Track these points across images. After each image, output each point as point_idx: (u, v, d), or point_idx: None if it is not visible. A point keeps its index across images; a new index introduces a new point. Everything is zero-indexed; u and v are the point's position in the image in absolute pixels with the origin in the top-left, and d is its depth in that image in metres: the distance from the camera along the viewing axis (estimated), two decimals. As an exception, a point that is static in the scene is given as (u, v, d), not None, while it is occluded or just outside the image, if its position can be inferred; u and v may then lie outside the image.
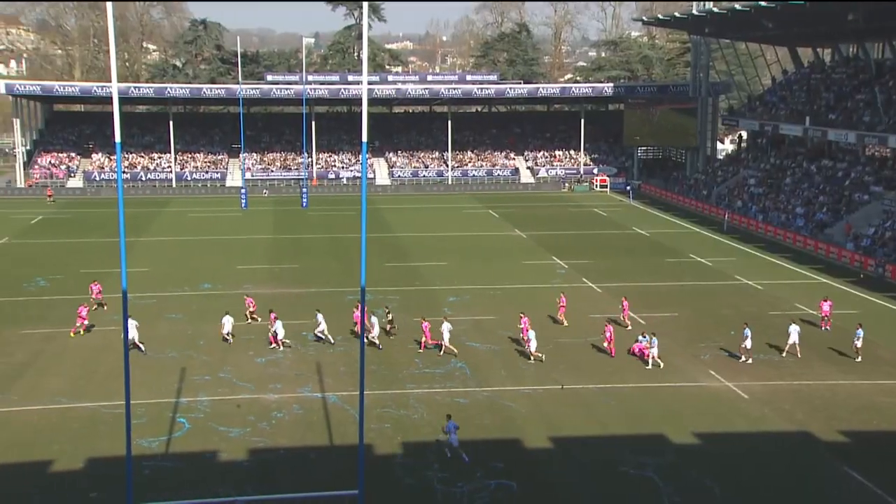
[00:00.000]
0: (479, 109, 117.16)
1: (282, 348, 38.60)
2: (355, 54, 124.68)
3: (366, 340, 38.41)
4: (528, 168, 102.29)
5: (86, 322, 40.61)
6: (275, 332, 38.87)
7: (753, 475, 27.20)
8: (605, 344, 38.12)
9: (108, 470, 26.76)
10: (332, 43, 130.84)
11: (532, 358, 37.33)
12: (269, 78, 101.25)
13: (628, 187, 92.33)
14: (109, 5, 19.71)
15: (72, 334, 40.08)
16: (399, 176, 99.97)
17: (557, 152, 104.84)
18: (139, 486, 24.08)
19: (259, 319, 42.14)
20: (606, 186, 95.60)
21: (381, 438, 29.39)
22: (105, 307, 44.40)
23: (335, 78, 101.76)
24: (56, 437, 29.36)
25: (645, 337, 37.77)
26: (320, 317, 39.67)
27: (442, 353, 37.87)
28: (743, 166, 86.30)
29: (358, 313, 39.83)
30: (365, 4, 20.46)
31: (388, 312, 41.63)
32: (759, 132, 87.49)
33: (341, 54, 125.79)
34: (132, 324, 37.20)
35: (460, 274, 53.90)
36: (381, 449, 28.65)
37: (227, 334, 39.49)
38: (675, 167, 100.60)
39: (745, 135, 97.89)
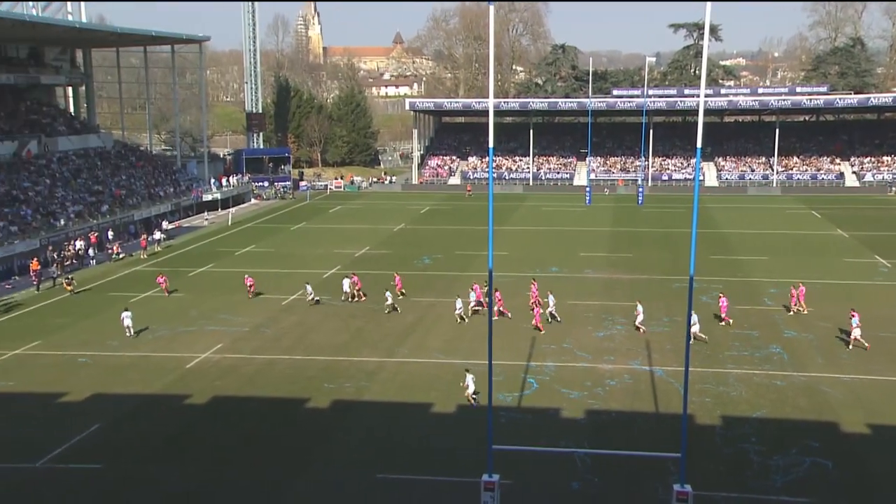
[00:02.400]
0: (807, 119, 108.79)
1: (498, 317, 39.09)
2: (692, 71, 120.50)
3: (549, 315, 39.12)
4: (853, 172, 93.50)
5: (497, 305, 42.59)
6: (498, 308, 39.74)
7: None
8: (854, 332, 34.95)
9: (471, 415, 28.12)
10: (672, 61, 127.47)
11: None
12: (615, 92, 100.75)
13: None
14: (491, 30, 20.51)
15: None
16: (726, 178, 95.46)
17: (885, 157, 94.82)
18: (497, 431, 25.07)
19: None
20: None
21: (702, 411, 28.37)
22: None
23: (673, 92, 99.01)
24: (433, 385, 31.29)
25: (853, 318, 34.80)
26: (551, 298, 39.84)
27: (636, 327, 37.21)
28: None
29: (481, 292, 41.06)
30: (706, 27, 19.66)
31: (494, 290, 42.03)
32: None
33: (679, 71, 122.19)
34: (471, 296, 40.86)
35: (781, 268, 50.52)
36: (701, 420, 27.65)
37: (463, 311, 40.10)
38: None
39: None
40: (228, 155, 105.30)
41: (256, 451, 25.81)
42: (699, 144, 20.37)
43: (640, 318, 37.73)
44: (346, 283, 44.16)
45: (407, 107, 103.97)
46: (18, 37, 69.92)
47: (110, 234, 61.54)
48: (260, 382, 31.81)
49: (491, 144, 20.72)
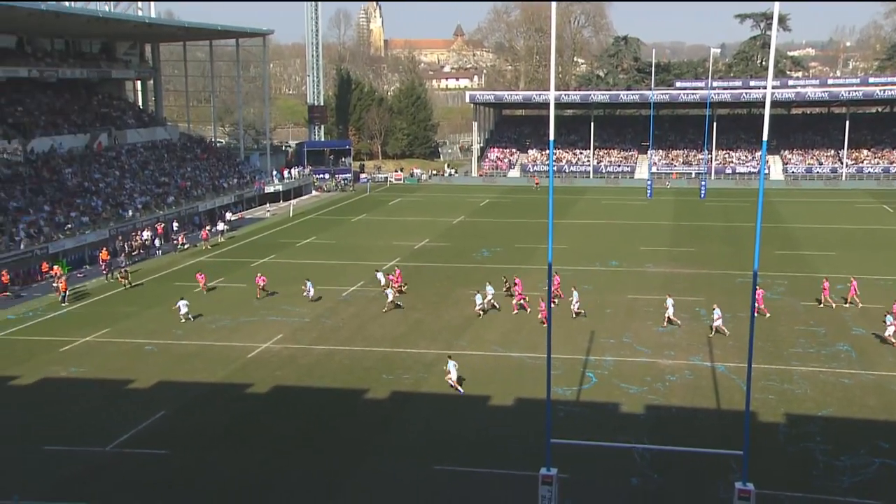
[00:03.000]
0: (880, 110, 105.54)
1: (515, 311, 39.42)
2: (759, 62, 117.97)
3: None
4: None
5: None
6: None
7: None
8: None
9: (530, 408, 27.97)
10: (738, 52, 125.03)
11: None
12: (678, 84, 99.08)
13: None
14: (553, 25, 20.33)
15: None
16: (792, 172, 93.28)
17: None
18: (555, 425, 24.90)
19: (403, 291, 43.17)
20: None
21: (765, 408, 27.77)
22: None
23: (738, 83, 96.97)
24: (492, 378, 31.24)
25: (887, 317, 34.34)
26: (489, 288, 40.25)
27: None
28: None
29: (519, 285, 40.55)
30: (775, 17, 19.22)
31: (506, 281, 41.94)
32: None
33: (745, 62, 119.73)
34: (489, 290, 40.20)
35: (848, 264, 49.11)
36: (764, 417, 27.06)
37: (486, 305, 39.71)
38: None
39: None
40: (290, 147, 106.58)
41: (315, 441, 26.09)
42: (765, 137, 19.92)
43: (670, 311, 37.27)
44: (381, 276, 44.04)
45: (467, 99, 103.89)
46: (92, 32, 71.82)
47: (175, 224, 62.83)
48: (319, 373, 32.14)
49: (551, 137, 20.55)
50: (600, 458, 24.15)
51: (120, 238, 56.20)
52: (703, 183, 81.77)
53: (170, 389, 30.59)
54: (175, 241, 58.87)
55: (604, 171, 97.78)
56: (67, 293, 44.03)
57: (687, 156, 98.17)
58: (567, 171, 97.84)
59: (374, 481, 23.38)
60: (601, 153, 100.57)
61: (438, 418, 27.65)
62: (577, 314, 38.77)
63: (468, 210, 74.75)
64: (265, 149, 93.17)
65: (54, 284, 45.13)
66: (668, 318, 37.35)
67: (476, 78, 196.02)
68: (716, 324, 35.77)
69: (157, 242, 57.70)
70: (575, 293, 39.18)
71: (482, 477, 23.41)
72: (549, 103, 19.52)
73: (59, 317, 41.20)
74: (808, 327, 36.70)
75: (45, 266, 49.37)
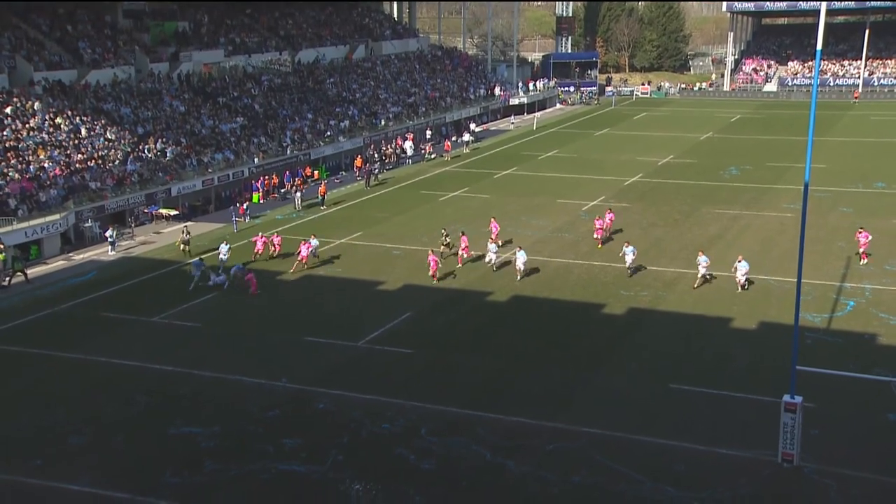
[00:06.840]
0: None
1: None
2: None
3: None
4: None
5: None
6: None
7: None
8: None
9: (774, 333, 26.69)
10: None
11: None
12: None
13: None
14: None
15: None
16: None
17: None
18: (802, 352, 23.60)
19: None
20: None
21: None
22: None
23: None
24: (734, 300, 30.03)
25: None
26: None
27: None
28: None
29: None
30: None
31: (446, 235, 36.20)
32: None
33: None
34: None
35: None
36: None
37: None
38: None
39: None
40: (537, 60, 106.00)
41: (551, 351, 26.46)
42: None
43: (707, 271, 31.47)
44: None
45: (724, 8, 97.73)
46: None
47: (428, 133, 64.83)
48: (557, 285, 32.39)
49: (819, 46, 18.91)
50: (852, 390, 22.65)
51: (372, 146, 58.92)
52: None
53: (415, 292, 32.14)
54: (423, 151, 60.93)
55: (876, 84, 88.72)
56: (325, 197, 47.06)
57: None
58: (832, 84, 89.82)
59: (608, 395, 23.44)
60: (874, 64, 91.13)
61: (676, 337, 27.10)
62: (633, 270, 33.08)
63: (717, 126, 71.12)
64: (512, 60, 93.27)
65: (296, 194, 46.30)
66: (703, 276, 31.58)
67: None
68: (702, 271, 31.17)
69: (409, 151, 60.00)
70: (629, 248, 32.85)
71: (720, 399, 22.73)
72: (817, 10, 17.84)
73: (318, 219, 44.26)
74: None
75: (307, 170, 53.06)
